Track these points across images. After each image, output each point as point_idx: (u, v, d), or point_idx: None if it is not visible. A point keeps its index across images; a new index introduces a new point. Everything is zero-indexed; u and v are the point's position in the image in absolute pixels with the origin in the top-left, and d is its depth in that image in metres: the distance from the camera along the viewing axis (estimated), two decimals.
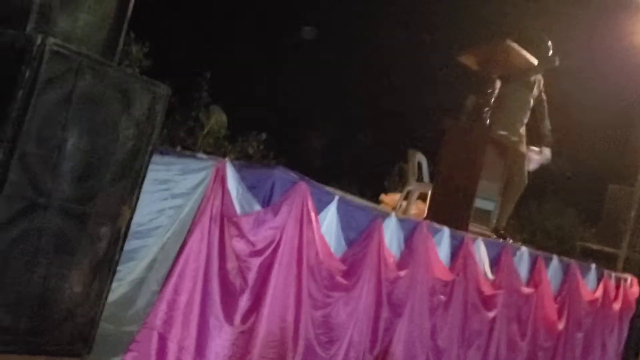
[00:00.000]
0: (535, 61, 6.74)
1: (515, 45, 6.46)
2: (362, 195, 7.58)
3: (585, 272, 7.11)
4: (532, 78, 6.96)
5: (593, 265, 7.36)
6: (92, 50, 2.61)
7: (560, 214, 17.89)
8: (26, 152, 2.34)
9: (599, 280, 7.36)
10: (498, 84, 6.81)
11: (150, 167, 2.83)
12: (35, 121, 2.34)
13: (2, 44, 2.40)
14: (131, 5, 2.82)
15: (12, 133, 2.29)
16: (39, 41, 2.31)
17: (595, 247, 11.25)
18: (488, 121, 6.53)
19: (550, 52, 6.96)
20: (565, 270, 6.69)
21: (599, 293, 7.25)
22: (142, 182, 2.79)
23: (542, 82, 7.16)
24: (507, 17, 14.69)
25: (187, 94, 12.12)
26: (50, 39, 2.33)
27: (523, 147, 7.01)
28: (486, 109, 6.49)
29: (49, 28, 2.55)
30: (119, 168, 2.67)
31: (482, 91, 6.65)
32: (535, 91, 7.08)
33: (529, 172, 7.14)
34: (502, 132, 6.63)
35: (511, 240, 6.61)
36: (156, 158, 3.01)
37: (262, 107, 15.39)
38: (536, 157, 7.20)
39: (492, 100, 6.58)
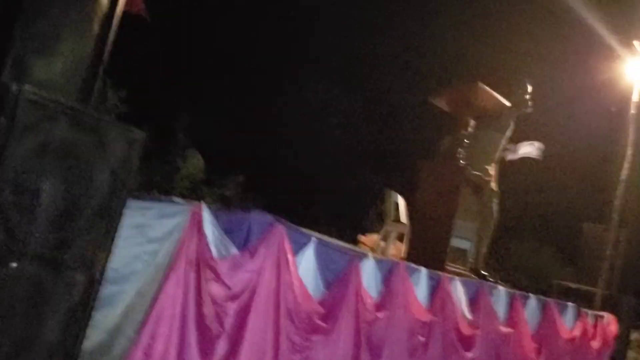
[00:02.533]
0: (507, 103, 6.85)
1: (486, 88, 6.58)
2: (340, 236, 7.58)
3: (563, 310, 7.15)
4: (505, 120, 7.03)
5: (570, 304, 7.41)
6: (67, 97, 2.62)
7: (537, 253, 17.99)
8: (1, 200, 2.34)
9: (576, 318, 7.41)
10: (472, 124, 6.91)
11: (126, 212, 2.82)
12: (11, 169, 2.34)
13: None
14: (107, 51, 2.86)
15: None
16: (14, 89, 2.32)
17: (572, 285, 11.30)
18: (462, 161, 6.61)
19: (527, 97, 7.03)
20: (543, 309, 6.72)
21: (577, 331, 7.28)
22: (117, 227, 2.79)
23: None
24: (483, 57, 14.94)
25: (164, 139, 12.13)
26: (25, 87, 2.35)
27: (494, 185, 7.09)
28: (459, 149, 6.57)
29: (25, 76, 2.57)
30: (94, 214, 2.67)
31: (455, 132, 6.74)
32: (508, 133, 7.14)
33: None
34: (475, 172, 6.71)
35: (489, 279, 6.64)
36: (132, 203, 3.01)
37: (239, 150, 15.41)
38: (527, 147, 7.21)
39: (466, 140, 6.67)
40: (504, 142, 7.09)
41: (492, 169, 7.05)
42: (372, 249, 8.01)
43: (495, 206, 7.00)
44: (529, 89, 7.04)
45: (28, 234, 2.45)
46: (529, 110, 7.07)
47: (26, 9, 2.62)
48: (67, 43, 2.69)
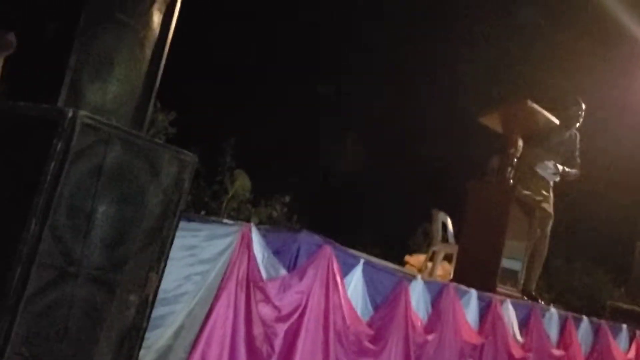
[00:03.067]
0: (557, 121, 6.76)
1: (535, 105, 6.51)
2: (386, 256, 7.55)
3: (616, 332, 7.00)
4: (554, 139, 6.95)
5: (624, 326, 7.25)
6: (121, 121, 2.67)
7: (588, 273, 17.61)
8: (57, 222, 2.39)
9: (630, 340, 7.24)
10: (521, 143, 6.82)
11: (177, 233, 2.86)
12: (66, 191, 2.39)
13: (35, 118, 2.47)
14: (159, 76, 2.91)
15: (44, 204, 2.33)
16: (70, 114, 2.37)
17: (625, 306, 11.02)
18: (511, 180, 6.53)
19: (579, 115, 6.97)
20: (596, 331, 6.59)
21: (631, 354, 7.13)
22: (169, 249, 2.82)
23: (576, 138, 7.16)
24: (533, 75, 14.77)
25: (212, 159, 12.25)
26: (81, 112, 2.40)
27: (546, 206, 6.98)
28: (509, 168, 6.50)
29: (80, 101, 2.63)
30: (147, 235, 2.70)
31: (505, 151, 6.67)
32: (562, 149, 7.05)
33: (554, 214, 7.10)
34: (526, 192, 6.62)
35: (540, 301, 6.54)
36: (183, 224, 3.05)
37: (285, 170, 15.50)
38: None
39: (515, 159, 6.59)
40: (557, 163, 6.97)
41: (543, 190, 6.95)
42: (419, 270, 7.96)
43: (547, 228, 6.89)
44: (582, 107, 6.96)
45: (82, 256, 2.49)
46: (577, 126, 7.04)
47: (81, 35, 2.68)
48: (121, 68, 2.75)
